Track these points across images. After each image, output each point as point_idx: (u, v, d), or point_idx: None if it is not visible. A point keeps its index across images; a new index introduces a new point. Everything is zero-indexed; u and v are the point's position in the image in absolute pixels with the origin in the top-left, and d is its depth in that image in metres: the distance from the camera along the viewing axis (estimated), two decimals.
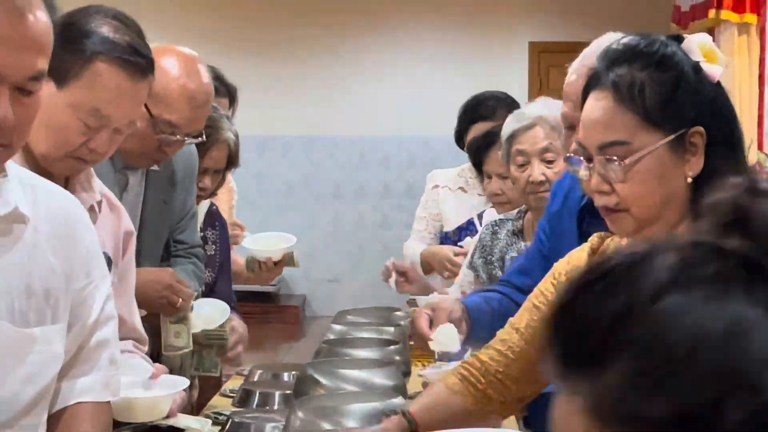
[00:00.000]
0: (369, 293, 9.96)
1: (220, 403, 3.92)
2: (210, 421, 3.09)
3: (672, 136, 2.01)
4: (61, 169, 2.54)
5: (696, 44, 2.11)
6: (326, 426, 2.92)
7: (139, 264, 3.33)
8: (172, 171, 3.60)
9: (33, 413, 1.96)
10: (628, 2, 11.12)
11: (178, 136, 3.33)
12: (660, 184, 2.04)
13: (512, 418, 3.12)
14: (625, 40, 2.10)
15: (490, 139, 4.28)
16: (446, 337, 2.91)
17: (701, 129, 2.03)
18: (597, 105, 2.04)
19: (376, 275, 12.45)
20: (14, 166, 1.99)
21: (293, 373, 3.73)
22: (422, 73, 11.93)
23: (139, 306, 3.28)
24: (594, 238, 2.29)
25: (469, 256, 3.76)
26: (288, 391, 3.57)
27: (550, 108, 3.46)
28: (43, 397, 1.97)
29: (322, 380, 3.18)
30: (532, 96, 11.39)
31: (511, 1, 12.08)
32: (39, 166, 2.48)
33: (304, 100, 11.32)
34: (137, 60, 2.49)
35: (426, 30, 12.04)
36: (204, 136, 3.62)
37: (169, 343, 3.57)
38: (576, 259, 2.28)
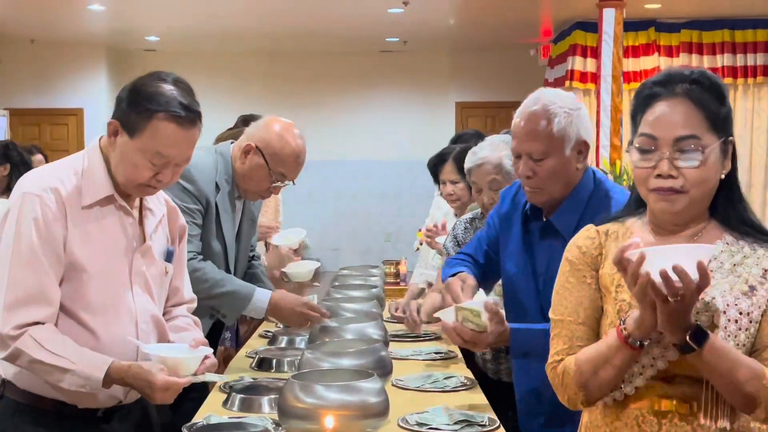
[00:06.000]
0: (358, 257, 10.01)
1: (269, 326, 3.84)
2: (227, 377, 2.76)
3: (722, 140, 1.71)
4: (135, 193, 2.30)
5: None
6: (332, 336, 2.93)
7: (236, 259, 3.30)
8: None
9: None
10: (516, 75, 11.11)
11: (282, 181, 3.17)
12: (715, 175, 1.72)
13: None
14: (675, 71, 1.79)
15: (442, 157, 4.22)
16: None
17: (733, 139, 1.76)
18: (675, 107, 1.71)
19: (362, 247, 12.35)
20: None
21: None
22: (390, 120, 12.04)
23: (285, 321, 3.32)
24: (593, 227, 1.89)
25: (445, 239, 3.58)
26: None
27: (494, 149, 3.27)
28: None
29: (330, 310, 3.16)
30: (457, 133, 11.46)
31: (445, 75, 12.01)
32: (122, 191, 2.28)
33: (318, 138, 11.33)
34: (187, 114, 2.20)
35: (392, 91, 12.45)
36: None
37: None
38: (585, 243, 1.87)
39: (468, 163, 3.33)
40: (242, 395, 2.63)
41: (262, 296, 3.13)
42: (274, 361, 3.13)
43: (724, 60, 9.49)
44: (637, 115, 1.79)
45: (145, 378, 2.14)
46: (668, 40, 9.53)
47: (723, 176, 1.75)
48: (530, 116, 2.41)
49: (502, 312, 2.36)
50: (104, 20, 10.27)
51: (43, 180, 2.22)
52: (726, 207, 1.79)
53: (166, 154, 2.21)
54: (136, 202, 2.36)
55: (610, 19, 7.83)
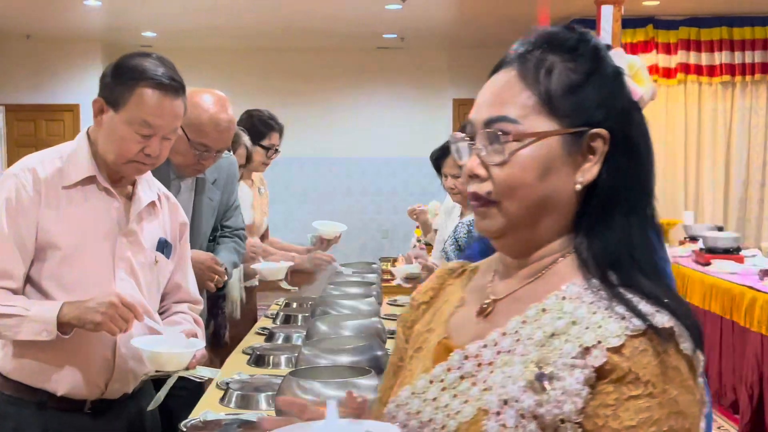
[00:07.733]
0: (355, 253, 10.01)
1: (266, 323, 3.86)
2: (219, 371, 2.69)
3: (570, 130, 1.14)
4: (126, 172, 2.30)
5: (625, 60, 1.37)
6: (330, 334, 2.90)
7: (192, 242, 3.05)
8: (216, 178, 3.29)
9: None
10: None
11: (209, 152, 3.04)
12: (542, 178, 1.14)
13: None
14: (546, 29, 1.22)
15: (445, 150, 4.18)
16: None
17: (605, 133, 1.15)
18: (496, 79, 1.20)
19: (359, 244, 12.38)
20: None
21: (310, 303, 3.69)
22: (386, 117, 11.99)
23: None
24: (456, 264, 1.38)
25: (439, 245, 3.51)
26: (307, 314, 3.55)
27: None
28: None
29: (327, 307, 3.16)
30: (455, 131, 11.39)
31: (442, 71, 12.05)
32: (112, 171, 2.30)
33: (314, 135, 11.31)
34: (170, 83, 2.26)
35: (389, 87, 12.35)
36: (232, 151, 3.44)
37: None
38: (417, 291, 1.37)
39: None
40: (239, 392, 2.63)
41: None
42: (271, 357, 3.14)
43: (722, 57, 9.50)
44: None
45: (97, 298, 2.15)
46: (666, 37, 9.53)
47: (578, 186, 1.16)
48: None
49: None
50: (100, 16, 10.25)
51: (26, 161, 2.29)
52: (589, 233, 1.18)
53: (152, 123, 2.23)
54: (128, 189, 2.36)
55: (608, 16, 7.81)
